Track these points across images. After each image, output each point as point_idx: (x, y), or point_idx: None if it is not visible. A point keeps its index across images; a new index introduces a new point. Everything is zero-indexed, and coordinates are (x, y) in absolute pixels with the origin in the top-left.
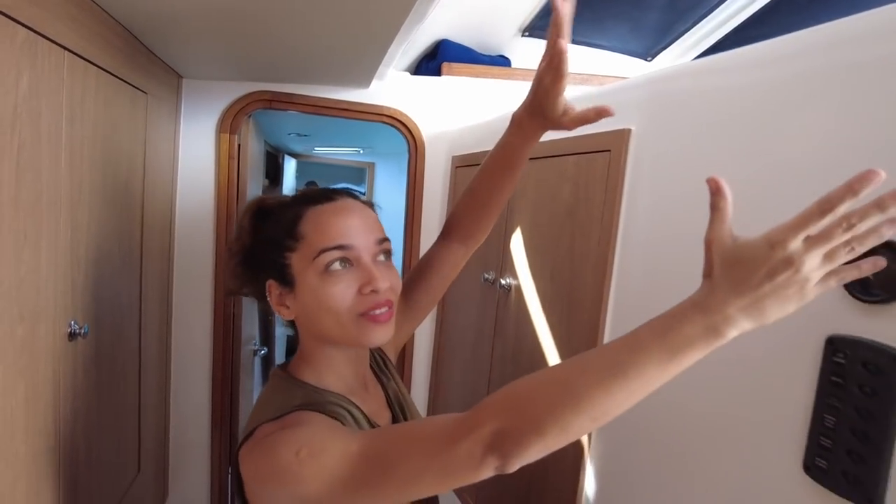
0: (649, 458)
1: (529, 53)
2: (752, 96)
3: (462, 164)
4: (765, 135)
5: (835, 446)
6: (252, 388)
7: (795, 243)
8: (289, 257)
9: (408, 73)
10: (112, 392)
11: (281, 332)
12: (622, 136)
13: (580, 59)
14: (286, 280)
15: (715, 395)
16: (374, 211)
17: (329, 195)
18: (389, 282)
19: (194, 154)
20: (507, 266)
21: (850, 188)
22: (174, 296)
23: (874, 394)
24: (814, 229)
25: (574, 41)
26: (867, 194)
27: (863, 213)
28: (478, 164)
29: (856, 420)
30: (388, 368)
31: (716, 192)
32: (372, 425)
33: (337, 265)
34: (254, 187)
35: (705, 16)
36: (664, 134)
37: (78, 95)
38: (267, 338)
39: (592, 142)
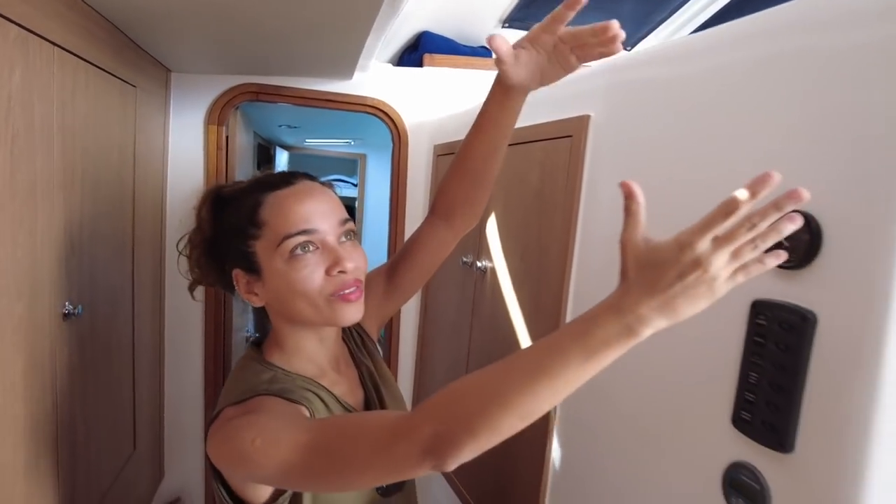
0: (605, 421)
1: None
2: (699, 83)
3: (444, 153)
4: (712, 119)
5: (757, 399)
6: None
7: (703, 245)
8: (253, 245)
9: (390, 65)
10: (106, 371)
11: None
12: (582, 122)
13: None
14: (253, 268)
15: (660, 362)
16: (334, 192)
17: (287, 179)
18: (355, 262)
19: (183, 145)
20: (483, 249)
21: (750, 190)
22: (166, 282)
23: (788, 349)
24: (720, 230)
25: None
26: (766, 195)
27: (763, 214)
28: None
29: (774, 374)
30: (365, 346)
31: (629, 196)
32: (343, 406)
33: (301, 250)
34: (243, 174)
35: (682, 4)
36: (621, 119)
37: (69, 89)
38: (259, 325)
39: (557, 128)
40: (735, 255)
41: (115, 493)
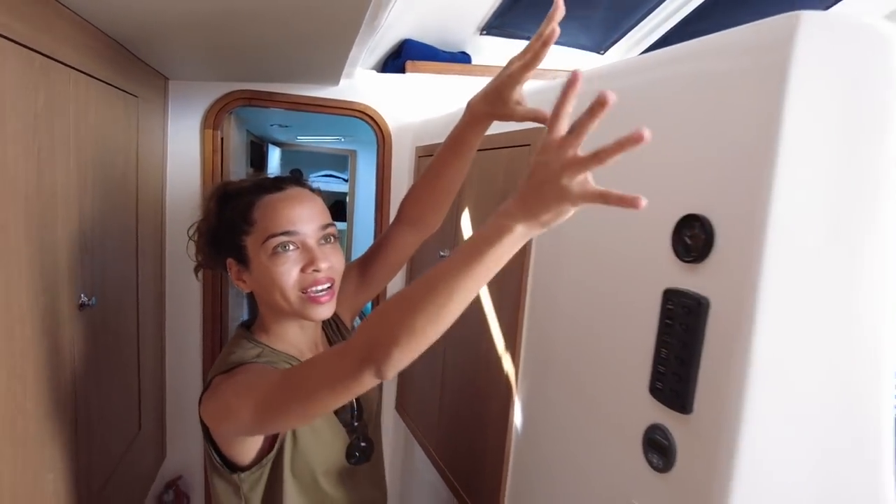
0: (556, 392)
1: (488, 50)
2: (639, 97)
3: (424, 154)
4: (645, 122)
5: (667, 371)
6: None
7: (552, 153)
8: (244, 239)
9: (374, 71)
10: (115, 356)
11: None
12: (539, 132)
13: None
14: (242, 259)
15: (597, 341)
16: (319, 198)
17: (278, 185)
18: (330, 262)
19: (181, 149)
20: (458, 243)
21: (593, 112)
22: (167, 276)
23: (688, 329)
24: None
25: (528, 38)
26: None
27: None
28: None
29: (679, 350)
30: (340, 333)
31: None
32: None
33: (282, 248)
34: (237, 176)
35: (649, 12)
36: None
37: (82, 105)
38: (253, 315)
39: (519, 137)
40: (579, 163)
41: (123, 470)
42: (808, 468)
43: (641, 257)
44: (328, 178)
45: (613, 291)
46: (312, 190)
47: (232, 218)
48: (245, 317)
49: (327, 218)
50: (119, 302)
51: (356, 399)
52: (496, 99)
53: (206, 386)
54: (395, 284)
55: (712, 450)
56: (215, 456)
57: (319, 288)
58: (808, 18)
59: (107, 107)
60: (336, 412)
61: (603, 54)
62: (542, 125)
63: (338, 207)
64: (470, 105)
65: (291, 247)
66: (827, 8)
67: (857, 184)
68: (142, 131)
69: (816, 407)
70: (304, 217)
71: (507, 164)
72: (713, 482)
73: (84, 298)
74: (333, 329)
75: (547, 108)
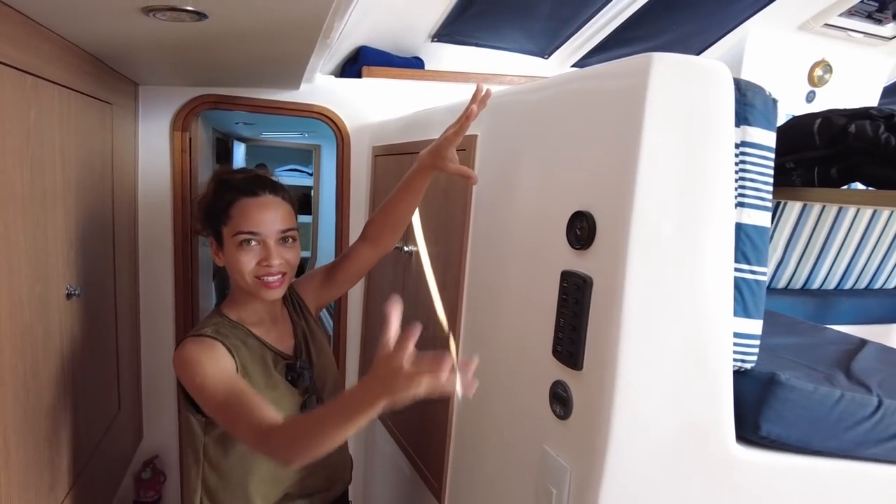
0: (484, 358)
1: (439, 55)
2: (543, 112)
3: (381, 154)
4: (548, 133)
5: (563, 336)
6: None
7: (386, 363)
8: (222, 228)
9: (333, 76)
10: (97, 340)
11: None
12: (471, 139)
13: (483, 60)
14: (219, 241)
15: (515, 314)
16: (287, 204)
17: (255, 191)
18: (283, 259)
19: (152, 150)
20: (410, 237)
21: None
22: (140, 267)
23: (577, 302)
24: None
25: (477, 44)
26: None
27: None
28: (395, 154)
29: (571, 319)
30: (302, 311)
31: (384, 320)
32: (268, 347)
33: (246, 243)
34: (204, 172)
35: (586, 22)
36: (498, 137)
37: (66, 116)
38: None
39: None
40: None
41: (104, 448)
42: (669, 406)
43: (546, 246)
44: (293, 173)
45: (526, 274)
46: (284, 198)
47: (216, 207)
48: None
49: (289, 223)
50: (99, 292)
51: (305, 362)
52: (437, 156)
53: (182, 341)
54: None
55: (598, 397)
56: (185, 399)
57: (271, 278)
58: (659, 58)
59: (85, 116)
60: (285, 374)
61: (547, 59)
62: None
63: (303, 201)
64: (419, 158)
65: (253, 242)
66: (742, 20)
67: (698, 185)
68: (116, 136)
69: (674, 359)
70: (268, 221)
71: None
72: (601, 423)
73: (71, 288)
74: (296, 306)
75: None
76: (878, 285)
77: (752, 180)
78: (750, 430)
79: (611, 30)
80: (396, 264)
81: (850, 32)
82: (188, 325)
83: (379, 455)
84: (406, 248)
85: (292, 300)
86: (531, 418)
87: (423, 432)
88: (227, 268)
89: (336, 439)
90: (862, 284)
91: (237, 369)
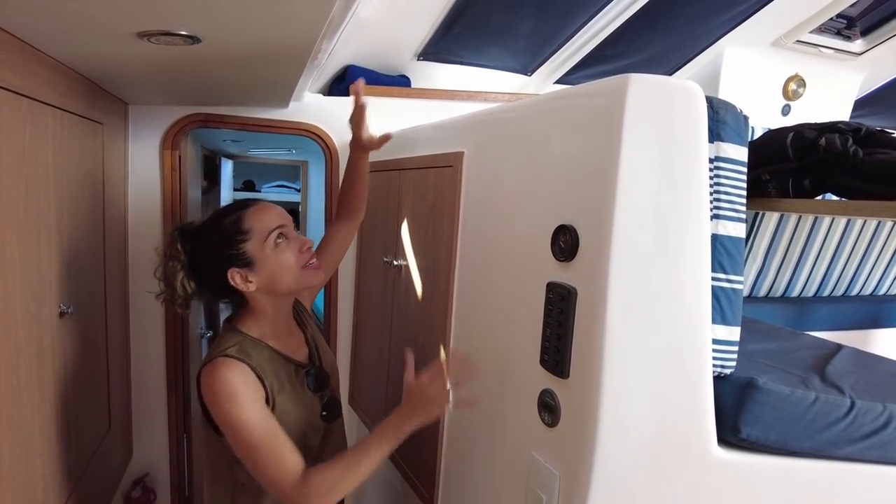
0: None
1: (424, 74)
2: (525, 128)
3: (370, 170)
4: (531, 153)
5: (550, 346)
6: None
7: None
8: (244, 246)
9: (321, 95)
10: (88, 359)
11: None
12: (458, 156)
13: (467, 78)
14: (247, 263)
15: (504, 326)
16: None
17: (247, 204)
18: (309, 243)
19: (142, 169)
20: (399, 251)
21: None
22: (130, 286)
23: (562, 312)
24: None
25: (461, 63)
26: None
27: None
28: (382, 171)
29: (557, 328)
30: (305, 317)
31: (405, 364)
32: (287, 359)
33: (279, 239)
34: (194, 189)
35: (567, 40)
36: (483, 152)
37: (58, 137)
38: (212, 324)
39: (443, 159)
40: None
41: (95, 466)
42: (652, 411)
43: (532, 258)
44: (281, 189)
45: (513, 286)
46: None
47: (220, 236)
48: (203, 327)
49: (290, 218)
50: (91, 310)
51: (321, 367)
52: (358, 140)
53: (202, 366)
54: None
55: (584, 404)
56: (207, 420)
57: (314, 260)
58: (635, 79)
59: (77, 136)
60: (307, 382)
61: (530, 76)
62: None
63: (291, 216)
64: (350, 144)
65: (284, 238)
66: (717, 37)
67: (674, 200)
68: (106, 155)
69: (656, 366)
70: (280, 216)
71: (433, 181)
72: (587, 429)
73: (63, 307)
74: (300, 316)
75: (456, 140)
76: (854, 292)
77: (726, 193)
78: (730, 432)
79: (591, 48)
80: (386, 278)
81: (822, 49)
82: (178, 343)
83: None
84: (395, 262)
85: (296, 310)
86: (520, 426)
87: (414, 444)
88: (267, 281)
89: (367, 475)
90: (839, 291)
91: (267, 395)
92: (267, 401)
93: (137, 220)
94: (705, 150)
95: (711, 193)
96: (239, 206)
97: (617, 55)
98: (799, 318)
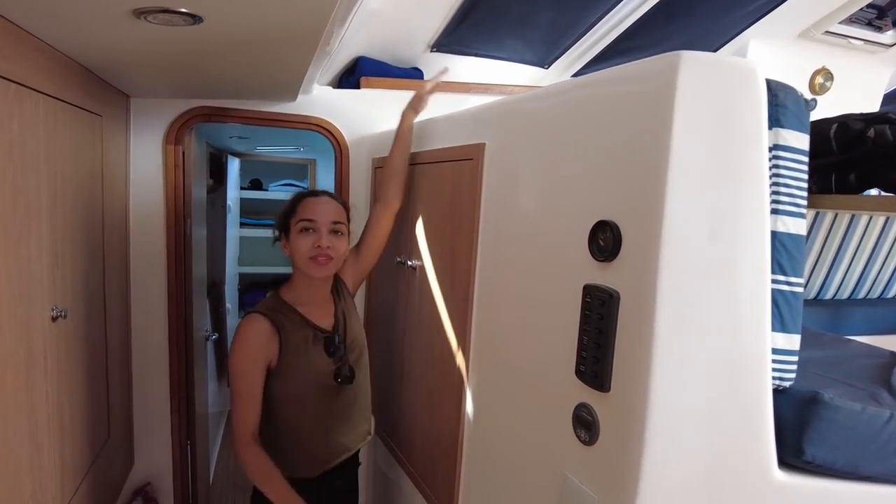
0: (499, 381)
1: (438, 65)
2: (559, 117)
3: (381, 166)
4: (564, 144)
5: (587, 355)
6: (206, 370)
7: None
8: (290, 222)
9: (330, 87)
10: (85, 365)
11: (231, 322)
12: (479, 148)
13: (482, 70)
14: (287, 233)
15: (532, 334)
16: (339, 205)
17: (316, 193)
18: (331, 244)
19: (144, 164)
20: (413, 251)
21: None
22: (132, 287)
23: (603, 318)
24: None
25: (476, 54)
26: None
27: None
28: None
29: (596, 336)
30: (343, 294)
31: None
32: (310, 325)
33: (304, 229)
34: (198, 187)
35: (586, 31)
36: (506, 144)
37: (51, 127)
38: (217, 325)
39: (461, 152)
40: None
41: (94, 474)
42: (705, 430)
43: (565, 258)
44: (288, 188)
45: (544, 288)
46: (338, 201)
47: (288, 209)
48: (209, 328)
49: (339, 218)
50: (88, 313)
51: (342, 337)
52: (415, 106)
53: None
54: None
55: (628, 422)
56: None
57: (321, 257)
58: (688, 56)
59: (72, 127)
60: (323, 344)
61: (547, 69)
62: None
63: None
64: (402, 114)
65: (311, 230)
66: (742, 28)
67: (731, 192)
68: (106, 149)
69: (709, 378)
70: (321, 212)
71: (451, 176)
72: (631, 449)
73: (56, 311)
74: (339, 291)
75: (477, 131)
76: (891, 294)
77: (786, 185)
78: (792, 454)
79: (611, 40)
80: (400, 280)
81: (851, 40)
82: (181, 345)
83: (384, 481)
84: (410, 263)
85: (336, 286)
86: (551, 443)
87: (431, 459)
88: (291, 253)
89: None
90: (875, 294)
91: (280, 348)
92: (280, 353)
93: (139, 218)
94: (765, 137)
95: (770, 186)
96: (308, 193)
97: (637, 48)
98: (833, 322)
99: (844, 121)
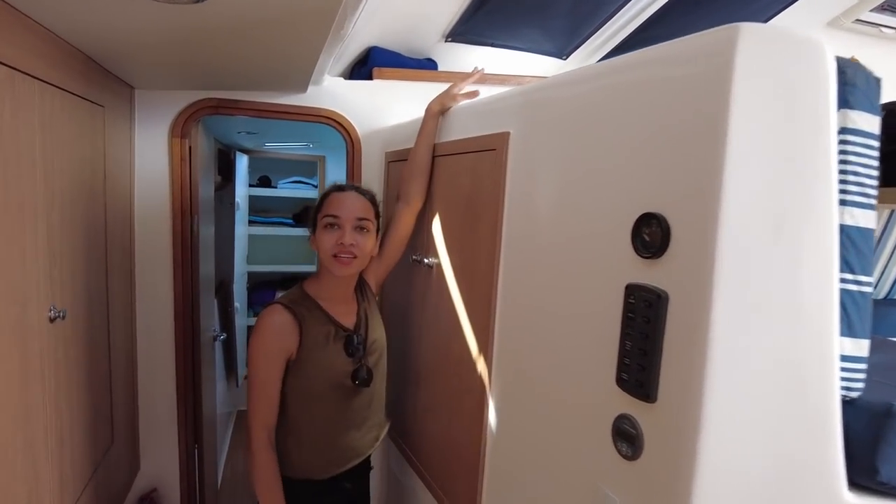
0: (525, 391)
1: (453, 56)
2: (596, 102)
3: (394, 160)
4: (594, 130)
5: (631, 362)
6: (214, 371)
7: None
8: (318, 216)
9: (342, 79)
10: (86, 368)
11: (240, 322)
12: (503, 137)
13: (498, 61)
14: (314, 229)
15: (563, 339)
16: (367, 201)
17: (344, 188)
18: (355, 242)
19: (149, 158)
20: (430, 249)
21: None
22: (137, 286)
23: (649, 321)
24: None
25: (492, 44)
26: None
27: None
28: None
29: (641, 341)
30: (365, 293)
31: None
32: (332, 321)
33: (329, 225)
34: (205, 184)
35: (607, 20)
36: (531, 135)
37: (47, 116)
38: (226, 325)
39: (483, 142)
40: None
41: (97, 482)
42: (765, 445)
43: (604, 255)
44: (297, 185)
45: (579, 288)
46: (367, 196)
47: (317, 204)
48: (217, 329)
49: (366, 214)
50: (89, 314)
51: (363, 338)
52: (444, 103)
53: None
54: None
55: (677, 436)
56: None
57: (344, 255)
58: (748, 29)
59: (72, 117)
60: (343, 343)
61: (566, 59)
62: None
63: (307, 213)
64: (428, 107)
65: (335, 226)
66: (770, 15)
67: (796, 182)
68: (108, 141)
69: (769, 390)
70: (346, 209)
71: (471, 168)
72: (680, 467)
73: (54, 311)
74: (363, 291)
75: (500, 119)
76: None
77: (855, 174)
78: (864, 474)
79: (632, 29)
80: (416, 279)
81: (882, 28)
82: (188, 346)
83: (397, 486)
84: (426, 261)
85: (360, 286)
86: (587, 458)
87: (450, 468)
88: (317, 248)
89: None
90: None
91: (300, 342)
92: (300, 347)
93: (144, 215)
94: (833, 119)
95: (838, 173)
96: (337, 188)
97: (659, 37)
98: (873, 323)
99: (894, 108)
